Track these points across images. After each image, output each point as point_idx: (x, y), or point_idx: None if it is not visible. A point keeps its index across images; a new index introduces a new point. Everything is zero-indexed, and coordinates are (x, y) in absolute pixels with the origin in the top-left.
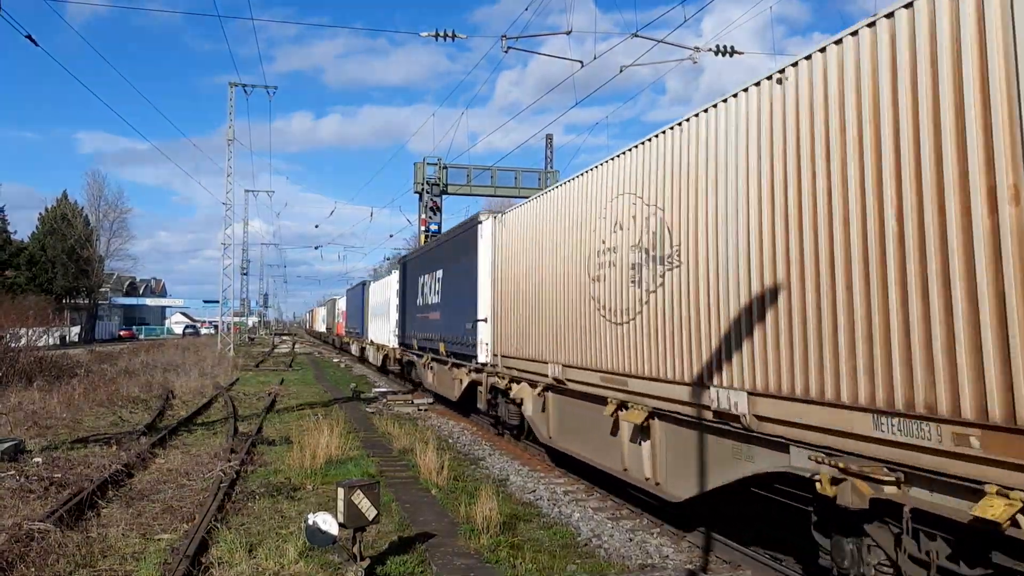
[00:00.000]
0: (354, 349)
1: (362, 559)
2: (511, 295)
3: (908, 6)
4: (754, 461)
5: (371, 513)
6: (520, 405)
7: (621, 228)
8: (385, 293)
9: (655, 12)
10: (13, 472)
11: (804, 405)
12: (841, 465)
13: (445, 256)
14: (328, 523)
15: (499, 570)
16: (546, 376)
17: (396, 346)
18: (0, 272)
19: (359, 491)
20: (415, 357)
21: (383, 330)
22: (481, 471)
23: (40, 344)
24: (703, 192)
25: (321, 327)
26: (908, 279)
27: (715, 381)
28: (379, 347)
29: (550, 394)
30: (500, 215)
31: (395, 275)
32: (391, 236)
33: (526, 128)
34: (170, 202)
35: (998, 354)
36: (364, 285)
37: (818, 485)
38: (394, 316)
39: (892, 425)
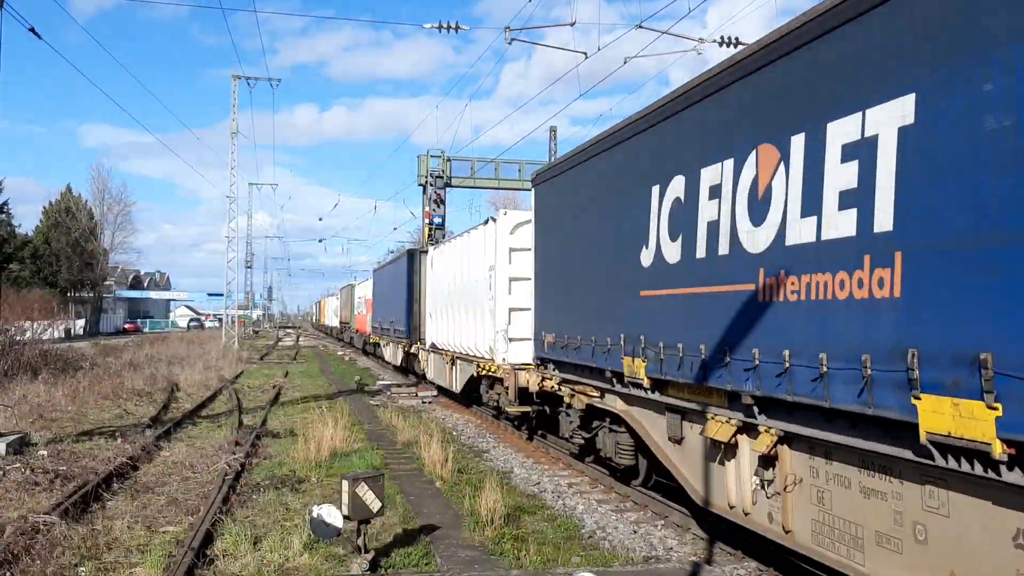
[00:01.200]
0: (390, 354)
1: (366, 551)
2: None
3: None
4: None
5: (375, 505)
6: None
7: None
8: (473, 261)
9: (659, 3)
10: (19, 465)
11: None
12: None
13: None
14: (333, 515)
15: (503, 562)
16: None
17: (526, 364)
18: (5, 266)
19: (363, 483)
20: (666, 419)
21: (471, 328)
22: (485, 463)
23: (45, 337)
24: None
25: (332, 321)
26: None
27: None
28: (458, 359)
29: None
30: None
31: (504, 223)
32: (395, 229)
33: (531, 120)
34: (175, 195)
35: None
36: (413, 256)
37: None
38: (504, 302)
39: None
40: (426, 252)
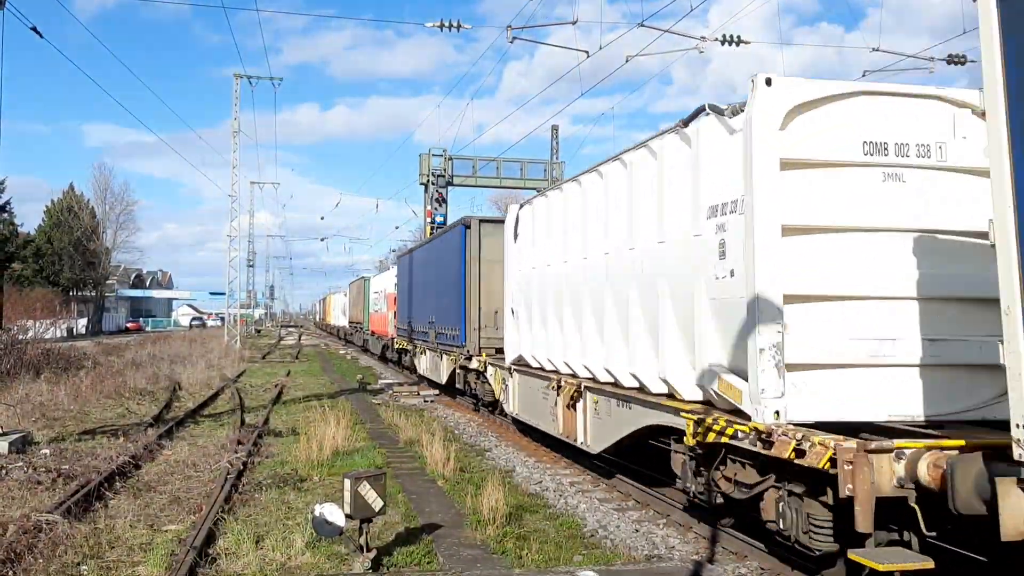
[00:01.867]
0: (428, 366)
1: (368, 550)
2: None
3: None
4: None
5: (377, 504)
6: None
7: None
8: (653, 202)
9: (661, 2)
10: (21, 464)
11: None
12: None
13: None
14: (334, 514)
15: (505, 561)
16: None
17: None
18: (7, 265)
19: (365, 482)
20: None
21: (644, 339)
22: (487, 462)
23: (47, 336)
24: None
25: (339, 320)
26: None
27: None
28: (594, 394)
29: None
30: None
31: (769, 103)
32: (396, 228)
33: (533, 119)
34: (178, 194)
35: None
36: (471, 227)
37: None
38: (772, 283)
39: None
40: (498, 221)
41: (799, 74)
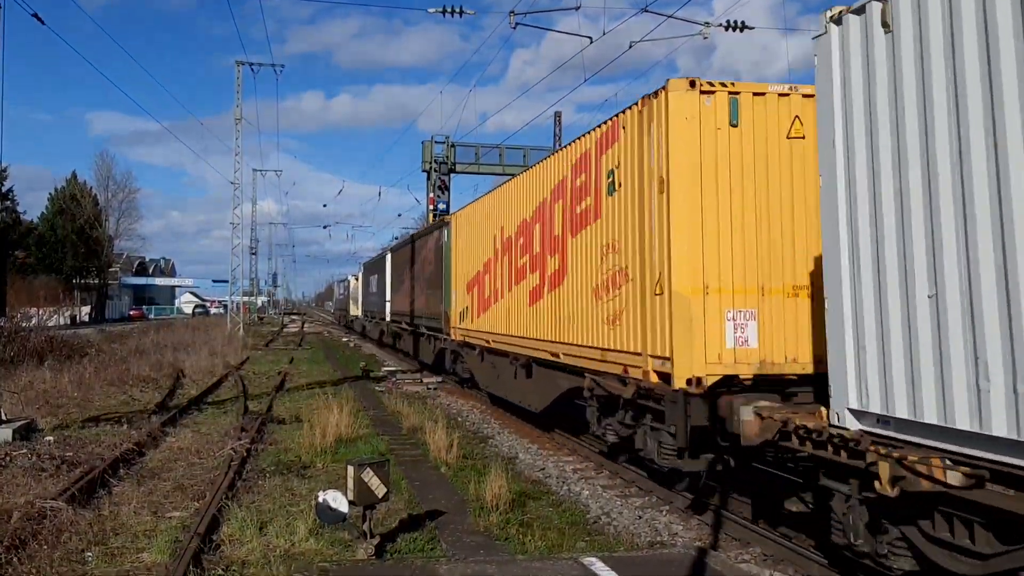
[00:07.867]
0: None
1: (372, 536)
2: None
3: None
4: None
5: (381, 491)
6: None
7: None
8: None
9: None
10: (25, 451)
11: None
12: None
13: None
14: (338, 501)
15: (509, 547)
16: None
17: None
18: (11, 253)
19: (369, 469)
20: None
21: None
22: (490, 449)
23: (51, 324)
24: None
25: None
26: None
27: None
28: None
29: None
30: None
31: None
32: (399, 215)
33: (537, 107)
34: (181, 182)
35: None
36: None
37: None
38: None
39: None
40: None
41: (806, 64)
